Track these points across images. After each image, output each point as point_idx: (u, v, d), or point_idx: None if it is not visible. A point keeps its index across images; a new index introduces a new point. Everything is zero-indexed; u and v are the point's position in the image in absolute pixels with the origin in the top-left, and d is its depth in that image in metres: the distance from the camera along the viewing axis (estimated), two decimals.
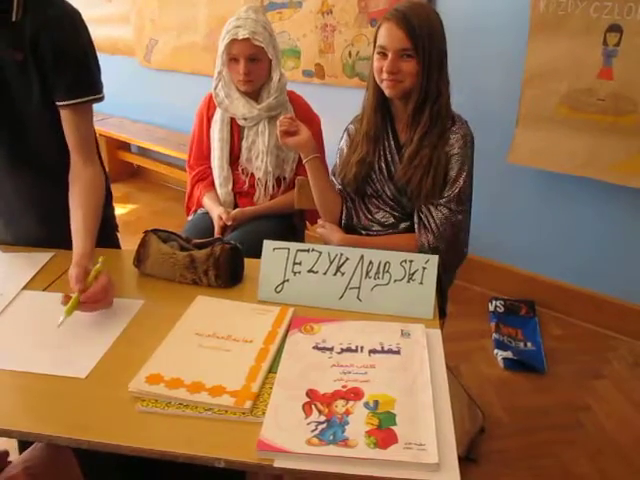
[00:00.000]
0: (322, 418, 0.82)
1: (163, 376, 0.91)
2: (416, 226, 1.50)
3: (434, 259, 1.08)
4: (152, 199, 4.09)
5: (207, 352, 0.98)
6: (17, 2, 1.13)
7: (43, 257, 1.34)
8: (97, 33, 3.98)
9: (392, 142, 1.54)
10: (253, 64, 1.83)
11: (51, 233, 1.35)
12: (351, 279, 1.12)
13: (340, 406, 0.84)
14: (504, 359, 2.19)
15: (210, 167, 2.06)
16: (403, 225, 1.56)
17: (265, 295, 1.15)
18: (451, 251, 1.50)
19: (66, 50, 1.18)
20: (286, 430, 0.80)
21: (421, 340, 0.98)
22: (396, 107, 1.52)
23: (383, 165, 1.55)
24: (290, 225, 2.03)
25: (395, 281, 1.09)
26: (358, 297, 1.11)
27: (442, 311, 1.63)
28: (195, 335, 1.02)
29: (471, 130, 1.49)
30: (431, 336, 1.01)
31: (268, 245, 1.16)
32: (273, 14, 2.88)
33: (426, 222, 1.47)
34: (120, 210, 3.90)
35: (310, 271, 1.14)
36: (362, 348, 0.97)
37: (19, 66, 1.18)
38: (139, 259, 1.26)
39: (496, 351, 2.25)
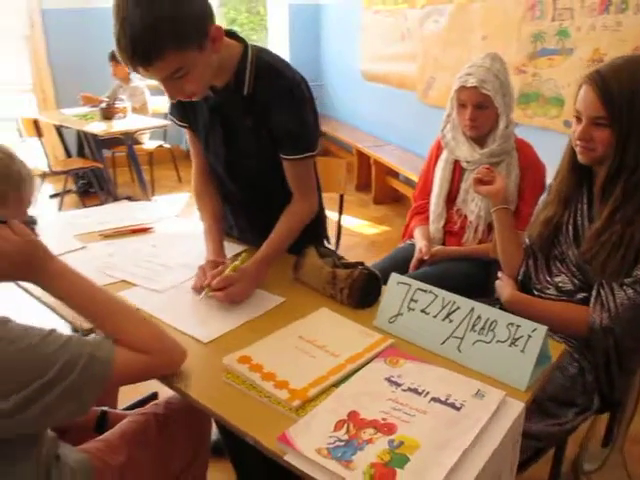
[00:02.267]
0: (345, 437, 0.87)
1: (251, 359, 1.08)
2: (592, 300, 1.36)
3: (542, 330, 1.01)
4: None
5: (296, 352, 1.11)
6: (249, 77, 1.39)
7: (238, 249, 1.65)
8: (388, 68, 4.48)
9: (586, 206, 1.43)
10: (480, 111, 1.88)
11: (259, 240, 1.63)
12: (457, 328, 1.11)
13: (367, 433, 0.88)
14: None
15: (429, 203, 2.16)
16: (580, 295, 1.42)
17: (379, 322, 1.22)
18: (628, 336, 1.33)
19: (289, 119, 1.41)
20: (310, 435, 0.88)
21: (491, 405, 0.94)
22: (596, 170, 1.40)
23: (571, 228, 1.45)
24: (485, 271, 2.00)
25: (497, 341, 1.05)
26: (459, 347, 1.10)
27: (608, 404, 1.44)
28: (298, 337, 1.16)
29: None
30: (509, 406, 0.95)
31: (394, 278, 1.23)
32: (543, 60, 2.81)
33: (604, 299, 1.33)
34: (372, 229, 4.24)
35: (423, 311, 1.16)
36: (427, 393, 0.97)
37: (249, 129, 1.46)
38: (296, 266, 1.45)
39: None
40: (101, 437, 1.24)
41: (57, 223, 1.94)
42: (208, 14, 1.24)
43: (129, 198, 4.67)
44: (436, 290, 1.16)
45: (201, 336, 1.20)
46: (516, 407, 0.96)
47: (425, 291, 1.17)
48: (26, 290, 1.39)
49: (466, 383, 1.00)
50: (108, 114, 4.39)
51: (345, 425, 0.90)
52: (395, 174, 4.53)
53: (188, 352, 1.09)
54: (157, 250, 1.68)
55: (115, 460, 1.16)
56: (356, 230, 4.23)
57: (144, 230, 1.84)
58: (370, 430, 0.89)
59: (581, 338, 1.41)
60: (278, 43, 6.03)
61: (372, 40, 4.73)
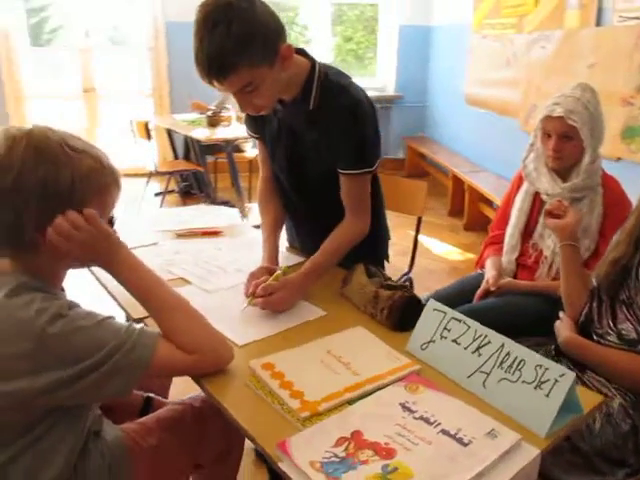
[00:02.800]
0: (342, 454, 0.88)
1: (274, 367, 1.11)
2: None
3: (570, 376, 0.95)
4: None
5: (319, 366, 1.12)
6: (315, 92, 1.45)
7: (298, 259, 1.70)
8: (491, 93, 4.40)
9: None
10: (565, 142, 1.80)
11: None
12: (485, 363, 1.07)
13: (365, 455, 0.88)
14: None
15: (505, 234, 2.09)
16: None
17: (411, 347, 1.21)
18: None
19: (348, 134, 1.45)
20: (309, 447, 0.89)
21: (502, 447, 0.90)
22: None
23: None
24: (554, 309, 1.90)
25: (523, 382, 1.00)
26: (484, 383, 1.06)
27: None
28: (326, 351, 1.17)
29: None
30: (523, 451, 0.91)
31: (431, 304, 1.21)
32: None
33: None
34: (458, 256, 4.14)
35: (454, 341, 1.14)
36: (438, 424, 0.95)
37: (312, 142, 1.52)
38: (343, 282, 1.47)
39: None
40: (140, 420, 1.32)
41: (145, 219, 2.09)
42: (279, 34, 1.32)
43: (226, 203, 4.91)
44: (469, 321, 1.13)
45: (236, 339, 1.25)
46: (530, 453, 0.91)
47: (459, 321, 1.14)
48: (97, 278, 1.53)
49: (482, 420, 0.97)
50: (213, 121, 4.65)
51: (346, 443, 0.90)
52: (489, 202, 4.39)
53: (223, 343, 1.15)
54: (220, 253, 1.77)
55: (146, 442, 1.24)
56: (441, 255, 4.15)
57: (214, 233, 1.95)
58: (368, 452, 0.88)
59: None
60: (386, 62, 6.09)
61: (478, 64, 4.65)
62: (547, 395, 0.96)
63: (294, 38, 6.96)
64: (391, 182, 2.51)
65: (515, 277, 2.02)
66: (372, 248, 1.71)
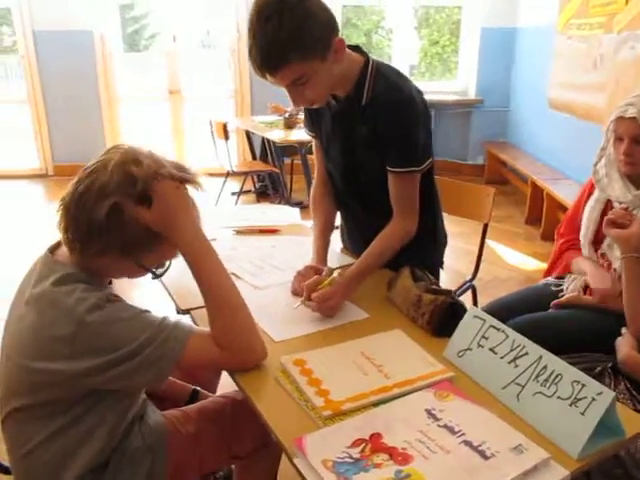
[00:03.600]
0: (357, 455, 0.87)
1: (305, 364, 1.12)
2: None
3: (608, 395, 0.89)
4: None
5: (350, 366, 1.12)
6: (367, 87, 1.44)
7: (350, 260, 1.70)
8: (575, 97, 4.18)
9: None
10: (638, 146, 1.69)
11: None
12: (521, 375, 1.02)
13: (380, 458, 0.86)
14: None
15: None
16: None
17: (448, 354, 1.18)
18: None
19: (397, 130, 1.43)
20: (325, 445, 0.89)
21: (526, 463, 0.85)
22: None
23: None
24: (616, 325, 1.78)
25: (558, 397, 0.95)
26: (518, 395, 1.01)
27: None
28: (359, 352, 1.17)
29: None
30: (551, 470, 0.86)
31: (471, 312, 1.17)
32: None
33: None
34: (532, 265, 3.96)
35: (491, 350, 1.09)
36: (462, 434, 0.92)
37: (363, 138, 1.51)
38: (389, 285, 1.45)
39: None
40: (183, 408, 1.38)
41: (208, 215, 2.15)
42: (332, 27, 1.34)
43: (299, 204, 4.97)
44: (508, 330, 1.09)
45: (274, 334, 1.27)
46: (559, 473, 0.86)
47: (498, 329, 1.10)
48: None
49: (510, 434, 0.92)
50: (290, 123, 4.73)
51: (362, 444, 0.90)
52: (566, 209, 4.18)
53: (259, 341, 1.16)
54: (274, 251, 1.80)
55: (185, 429, 1.29)
56: (514, 264, 3.99)
57: (272, 231, 1.98)
58: (384, 456, 0.87)
59: None
60: (467, 65, 5.94)
61: (562, 66, 4.43)
62: (582, 413, 0.91)
63: (378, 42, 6.98)
64: (457, 187, 2.45)
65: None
66: (426, 252, 1.68)
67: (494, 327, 1.11)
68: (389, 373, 1.09)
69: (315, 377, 1.07)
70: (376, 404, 1.01)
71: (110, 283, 1.23)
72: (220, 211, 2.28)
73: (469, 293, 2.42)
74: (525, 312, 1.84)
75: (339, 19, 5.93)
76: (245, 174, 5.09)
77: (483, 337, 1.12)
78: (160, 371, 1.08)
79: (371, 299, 1.46)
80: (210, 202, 4.99)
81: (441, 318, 1.27)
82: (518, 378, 1.02)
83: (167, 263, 1.19)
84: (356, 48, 1.48)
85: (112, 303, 1.07)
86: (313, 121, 1.68)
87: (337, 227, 1.83)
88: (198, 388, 1.52)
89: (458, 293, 2.35)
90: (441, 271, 1.88)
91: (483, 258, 2.42)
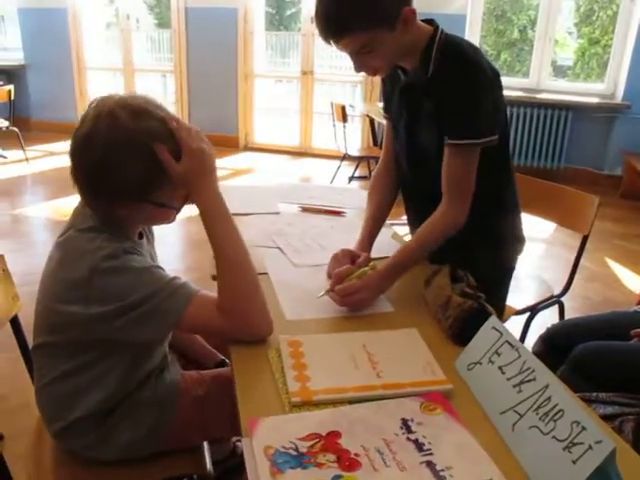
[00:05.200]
0: (303, 450, 0.81)
1: (300, 346, 1.07)
2: None
3: (608, 445, 0.73)
4: None
5: (345, 358, 1.04)
6: (434, 57, 1.32)
7: None
8: None
9: None
10: None
11: None
12: (522, 403, 0.88)
13: (325, 458, 0.80)
14: None
15: None
16: None
17: (459, 365, 1.06)
18: None
19: (460, 99, 1.31)
20: (277, 432, 0.84)
21: None
22: None
23: None
24: None
25: (553, 437, 0.80)
26: (514, 425, 0.88)
27: None
28: (361, 345, 1.09)
29: None
30: None
31: (492, 321, 1.04)
32: None
33: None
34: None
35: (500, 368, 0.96)
36: (429, 454, 0.82)
37: (428, 112, 1.40)
38: (427, 282, 1.34)
39: None
40: (202, 371, 1.39)
41: (277, 189, 2.17)
42: None
43: None
44: (523, 350, 0.94)
45: (288, 312, 1.23)
46: None
47: (512, 346, 0.96)
48: None
49: (484, 465, 0.80)
50: None
51: (315, 440, 0.83)
52: None
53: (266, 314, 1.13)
54: (331, 232, 1.75)
55: (196, 391, 1.31)
56: (634, 289, 3.56)
57: (336, 213, 1.93)
58: (331, 457, 0.80)
59: None
60: (617, 65, 5.34)
61: None
62: (574, 462, 0.76)
63: (530, 37, 6.50)
64: (557, 191, 2.22)
65: None
66: (492, 250, 1.54)
67: (509, 343, 0.97)
68: (382, 372, 1.01)
69: (303, 362, 1.02)
70: (352, 401, 0.93)
71: (141, 238, 1.26)
72: (295, 187, 2.26)
73: (555, 309, 2.20)
74: (602, 335, 1.62)
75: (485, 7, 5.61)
76: (360, 159, 5.05)
77: (496, 353, 0.99)
78: (159, 325, 1.09)
79: (404, 293, 1.36)
80: (325, 183, 5.03)
81: (464, 324, 1.14)
82: (519, 406, 0.89)
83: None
84: (430, 22, 1.37)
85: (129, 255, 1.10)
86: (387, 100, 1.60)
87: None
88: (226, 359, 1.53)
89: (540, 307, 2.14)
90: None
91: (599, 278, 2.17)
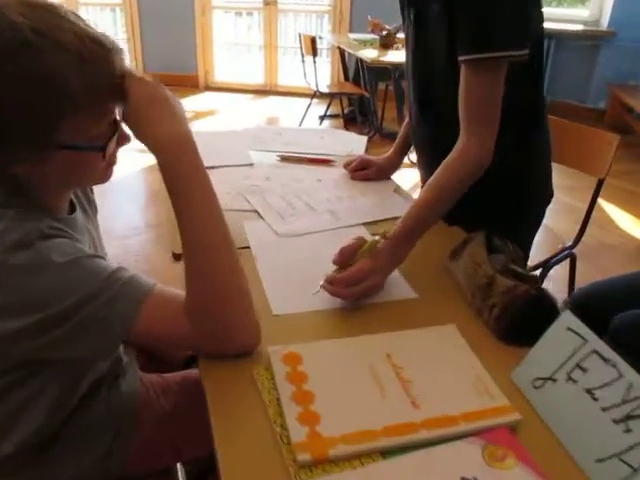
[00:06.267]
0: None
1: (299, 363, 0.76)
2: None
3: None
4: None
5: (366, 378, 0.74)
6: None
7: None
8: None
9: None
10: None
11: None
12: (633, 448, 0.61)
13: None
14: None
15: None
16: None
17: (519, 377, 0.77)
18: None
19: (471, 3, 1.00)
20: None
21: None
22: None
23: None
24: None
25: None
26: None
27: None
28: (384, 355, 0.79)
29: None
30: None
31: (566, 319, 0.75)
32: None
33: None
34: None
35: (588, 391, 0.68)
36: None
37: (434, 18, 1.10)
38: (453, 253, 1.04)
39: None
40: (167, 375, 1.10)
41: (245, 134, 1.80)
42: None
43: (390, 135, 4.52)
44: (623, 366, 0.66)
45: (276, 304, 0.92)
46: None
47: (606, 360, 0.68)
48: None
49: None
50: (387, 43, 4.20)
51: None
52: None
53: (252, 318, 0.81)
54: (318, 186, 1.42)
55: (159, 405, 1.03)
56: (627, 229, 3.37)
57: (324, 162, 1.60)
58: None
59: None
60: None
61: None
62: None
63: None
64: (572, 130, 1.93)
65: None
66: (516, 200, 1.26)
67: (599, 354, 0.69)
68: (419, 398, 0.71)
69: (306, 389, 0.72)
70: (386, 453, 0.64)
71: (72, 212, 0.91)
72: (266, 131, 1.90)
73: (565, 263, 1.96)
74: (633, 304, 1.37)
75: None
76: (333, 96, 4.65)
77: (579, 367, 0.70)
78: (101, 339, 0.76)
79: (426, 269, 1.06)
80: (294, 124, 4.64)
81: (517, 317, 0.85)
82: (628, 454, 0.61)
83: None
84: None
85: (46, 240, 0.75)
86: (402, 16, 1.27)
87: None
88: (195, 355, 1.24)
89: (553, 262, 1.89)
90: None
91: (591, 220, 1.96)
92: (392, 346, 0.81)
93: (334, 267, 0.97)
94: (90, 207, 1.01)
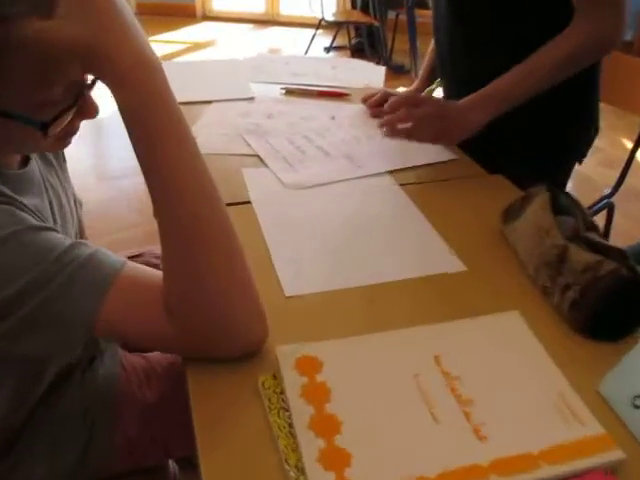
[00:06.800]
0: None
1: (318, 370, 0.56)
2: None
3: None
4: None
5: (408, 391, 0.55)
6: None
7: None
8: None
9: None
10: None
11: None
12: None
13: None
14: None
15: None
16: None
17: (608, 391, 0.58)
18: None
19: None
20: None
21: None
22: None
23: None
24: None
25: None
26: None
27: None
28: (431, 357, 0.59)
29: None
30: None
31: None
32: None
33: None
34: None
35: None
36: None
37: None
38: (508, 214, 0.83)
39: None
40: (150, 355, 0.93)
41: (246, 64, 1.54)
42: None
43: (400, 68, 4.23)
44: None
45: (288, 283, 0.71)
46: None
47: None
48: None
49: None
50: None
51: None
52: None
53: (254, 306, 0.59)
54: (331, 125, 1.19)
55: (142, 395, 0.86)
56: None
57: (338, 95, 1.36)
58: None
59: None
60: None
61: None
62: None
63: None
64: (611, 60, 1.68)
65: None
66: (559, 131, 1.11)
67: None
68: (486, 427, 0.52)
69: (329, 413, 0.52)
70: None
71: (26, 164, 0.69)
72: (270, 60, 1.65)
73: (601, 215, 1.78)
74: None
75: None
76: (339, 25, 4.29)
77: None
78: (57, 334, 0.56)
79: (474, 234, 0.85)
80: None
81: (603, 305, 0.65)
82: None
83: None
84: None
85: None
86: None
87: None
88: None
89: (592, 211, 1.70)
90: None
91: (619, 164, 1.80)
92: (441, 344, 0.60)
93: (357, 232, 0.76)
94: (55, 154, 0.79)
